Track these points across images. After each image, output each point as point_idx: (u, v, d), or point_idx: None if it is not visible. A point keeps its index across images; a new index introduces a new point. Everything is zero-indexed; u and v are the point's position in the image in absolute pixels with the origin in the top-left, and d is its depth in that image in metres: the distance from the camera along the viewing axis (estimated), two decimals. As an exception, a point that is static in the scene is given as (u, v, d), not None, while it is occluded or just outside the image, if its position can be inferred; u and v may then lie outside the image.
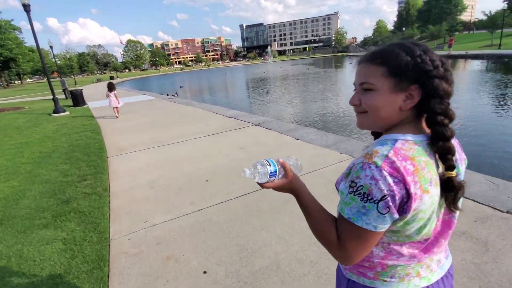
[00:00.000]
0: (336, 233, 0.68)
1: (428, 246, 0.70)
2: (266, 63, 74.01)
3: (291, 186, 0.75)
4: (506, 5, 31.48)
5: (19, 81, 61.80)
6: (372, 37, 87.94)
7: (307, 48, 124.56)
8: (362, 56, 0.72)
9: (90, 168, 4.15)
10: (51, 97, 11.18)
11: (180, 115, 8.25)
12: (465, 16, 66.61)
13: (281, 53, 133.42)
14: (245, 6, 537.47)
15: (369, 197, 0.60)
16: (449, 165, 0.63)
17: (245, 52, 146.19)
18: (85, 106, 13.03)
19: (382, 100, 0.66)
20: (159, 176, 3.72)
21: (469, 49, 31.58)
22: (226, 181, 3.35)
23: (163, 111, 9.34)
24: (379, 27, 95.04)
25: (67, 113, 10.76)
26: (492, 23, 31.09)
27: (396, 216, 0.61)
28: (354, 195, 0.62)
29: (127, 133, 6.47)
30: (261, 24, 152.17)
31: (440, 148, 0.63)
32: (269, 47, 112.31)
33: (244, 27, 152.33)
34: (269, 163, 0.73)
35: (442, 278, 0.75)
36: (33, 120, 9.62)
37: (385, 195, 0.58)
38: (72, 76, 47.94)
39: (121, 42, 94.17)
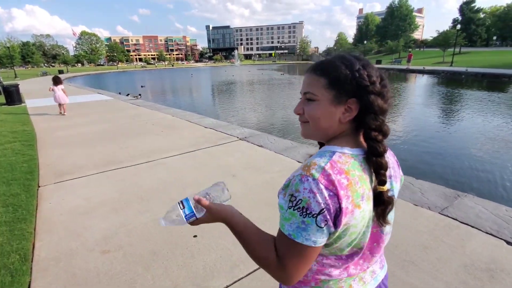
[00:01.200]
0: (276, 252, 0.65)
1: (356, 259, 0.69)
2: (233, 66, 72.94)
3: (216, 218, 0.72)
4: (459, 26, 34.53)
5: None
6: (335, 48, 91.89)
7: (273, 54, 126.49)
8: (309, 66, 0.72)
9: (7, 211, 2.72)
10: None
11: (145, 122, 6.83)
12: (415, 35, 72.83)
13: (247, 57, 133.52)
14: (211, 7, 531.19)
15: (308, 211, 0.59)
16: (381, 180, 0.65)
17: (211, 54, 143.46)
18: (22, 104, 10.73)
19: (322, 111, 0.67)
20: (118, 227, 2.47)
21: (422, 65, 33.99)
22: (227, 237, 2.25)
23: (122, 116, 7.79)
24: (340, 39, 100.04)
25: (-6, 113, 8.58)
26: (445, 41, 33.97)
27: (333, 229, 0.61)
28: (294, 209, 0.60)
29: (73, 146, 4.95)
30: (228, 27, 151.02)
31: (374, 163, 0.64)
32: (236, 51, 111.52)
33: (211, 28, 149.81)
34: (183, 205, 0.70)
35: None
36: None
37: (322, 209, 0.58)
38: (12, 68, 41.66)
39: (74, 34, 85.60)
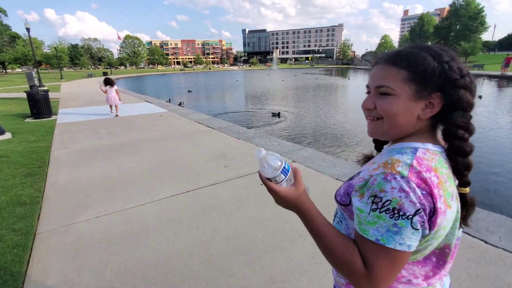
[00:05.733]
0: (362, 260, 0.56)
1: (438, 267, 0.62)
2: (271, 70, 69.76)
3: (300, 199, 0.62)
4: None
5: (3, 71, 55.21)
6: (383, 51, 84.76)
7: (309, 58, 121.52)
8: (379, 57, 0.63)
9: None
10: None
11: (258, 183, 3.35)
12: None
13: (282, 61, 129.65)
14: (246, 12, 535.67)
15: (401, 213, 0.52)
16: (465, 181, 0.59)
17: (246, 57, 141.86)
18: (52, 118, 7.99)
19: (400, 107, 0.59)
20: None
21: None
22: None
23: (199, 155, 4.41)
24: (385, 42, 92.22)
25: (6, 136, 5.71)
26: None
27: (427, 231, 0.54)
28: (380, 212, 0.53)
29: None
30: (264, 31, 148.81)
31: (459, 163, 0.58)
32: (273, 54, 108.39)
33: (247, 32, 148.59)
34: (282, 162, 0.63)
35: None
36: None
37: (418, 209, 0.52)
38: (59, 69, 41.96)
39: (119, 38, 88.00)
